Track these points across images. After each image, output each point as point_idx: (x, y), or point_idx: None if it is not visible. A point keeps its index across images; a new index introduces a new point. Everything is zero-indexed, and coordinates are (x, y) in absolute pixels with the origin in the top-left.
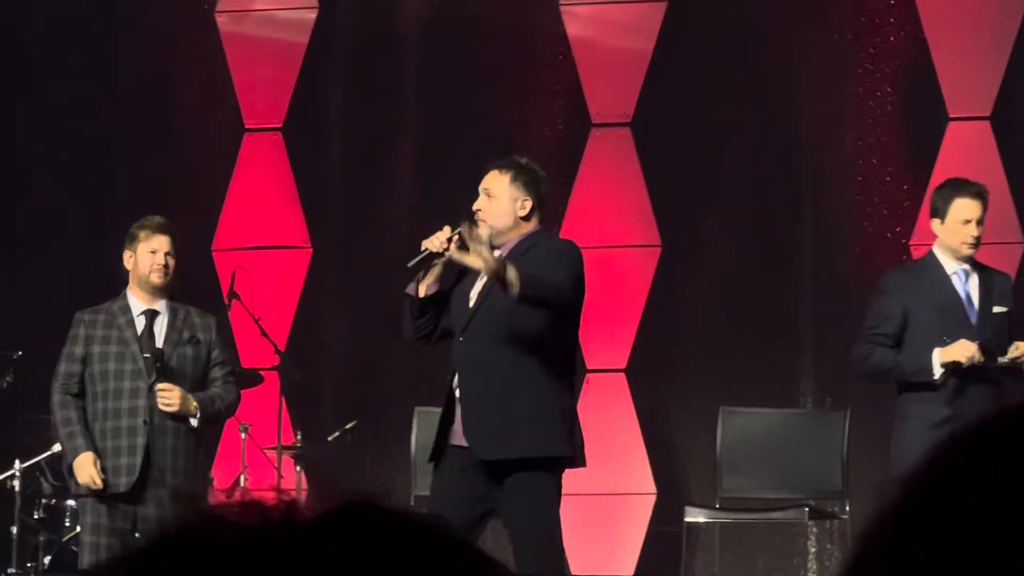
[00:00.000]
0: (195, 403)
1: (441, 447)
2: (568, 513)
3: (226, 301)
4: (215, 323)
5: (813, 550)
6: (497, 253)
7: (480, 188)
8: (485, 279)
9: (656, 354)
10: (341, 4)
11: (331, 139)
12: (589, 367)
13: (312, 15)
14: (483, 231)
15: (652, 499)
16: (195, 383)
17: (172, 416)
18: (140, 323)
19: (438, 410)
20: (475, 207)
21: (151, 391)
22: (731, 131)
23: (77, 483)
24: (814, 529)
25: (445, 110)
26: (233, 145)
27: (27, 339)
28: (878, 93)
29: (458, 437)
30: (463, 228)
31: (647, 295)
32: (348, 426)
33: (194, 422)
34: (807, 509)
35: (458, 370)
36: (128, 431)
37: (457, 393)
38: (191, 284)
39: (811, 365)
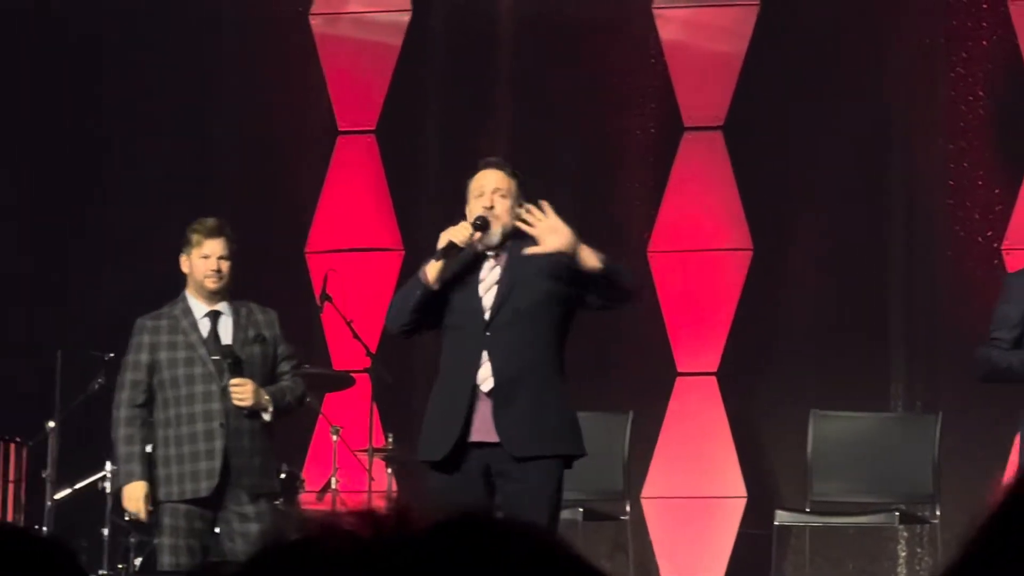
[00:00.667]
0: (267, 396)
1: (460, 444)
2: (659, 516)
3: (319, 303)
4: (277, 317)
5: (903, 554)
6: (493, 254)
7: (490, 188)
8: (497, 273)
9: (747, 357)
10: (435, 6)
11: (424, 141)
12: (680, 370)
13: (406, 17)
14: (496, 229)
15: (742, 502)
16: (264, 380)
17: (247, 415)
18: (204, 325)
19: None
20: (488, 205)
21: (224, 393)
22: (822, 134)
23: (155, 488)
24: (904, 533)
25: (538, 113)
26: (326, 147)
27: (117, 341)
28: (970, 97)
29: (480, 433)
30: (479, 222)
31: (738, 298)
32: None
33: (267, 416)
34: (898, 513)
35: (492, 362)
36: (205, 435)
37: (484, 387)
38: (284, 286)
39: (902, 368)
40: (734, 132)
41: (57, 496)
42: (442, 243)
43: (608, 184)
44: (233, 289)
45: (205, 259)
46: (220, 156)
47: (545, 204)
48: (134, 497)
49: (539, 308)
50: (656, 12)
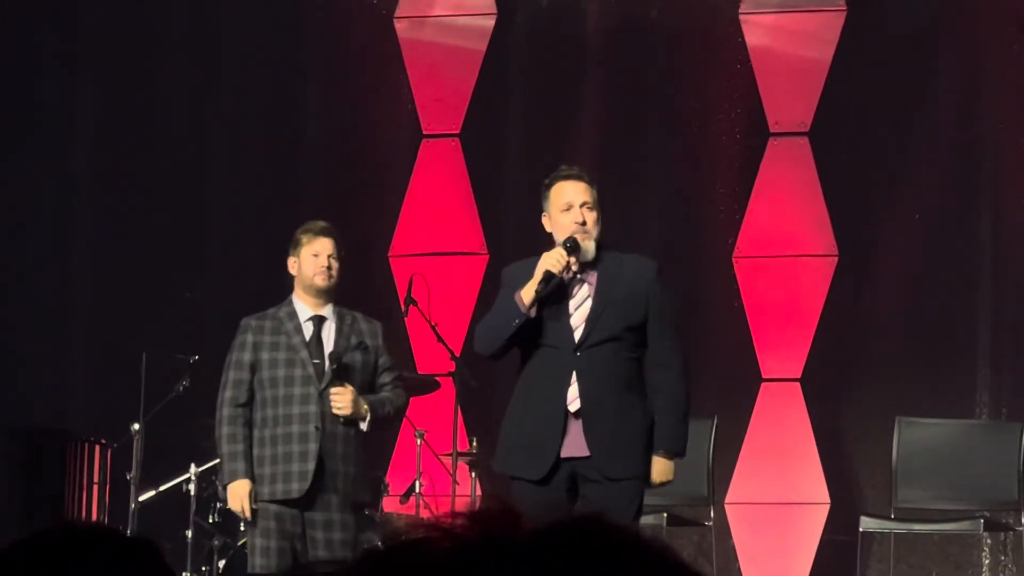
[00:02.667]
0: (366, 406)
1: (554, 462)
2: (742, 521)
3: (403, 307)
4: (381, 328)
5: (987, 562)
6: (579, 270)
7: (578, 201)
8: (586, 291)
9: (831, 363)
10: (520, 11)
11: (508, 145)
12: (764, 376)
13: (491, 21)
14: (588, 244)
15: (826, 508)
16: (364, 388)
17: (343, 421)
18: (308, 329)
19: None
20: (580, 220)
21: (322, 397)
22: (909, 141)
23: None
24: (988, 540)
25: (624, 118)
26: (411, 151)
27: (202, 343)
28: None
29: (570, 449)
30: (570, 243)
31: (823, 305)
32: None
33: (364, 426)
34: (982, 520)
35: (580, 383)
36: (299, 437)
37: (572, 408)
38: (369, 290)
39: (987, 376)
40: (820, 138)
41: (141, 498)
42: (539, 274)
43: (694, 190)
44: (339, 296)
45: (315, 257)
46: (306, 161)
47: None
48: (238, 495)
49: (626, 331)
50: (743, 18)
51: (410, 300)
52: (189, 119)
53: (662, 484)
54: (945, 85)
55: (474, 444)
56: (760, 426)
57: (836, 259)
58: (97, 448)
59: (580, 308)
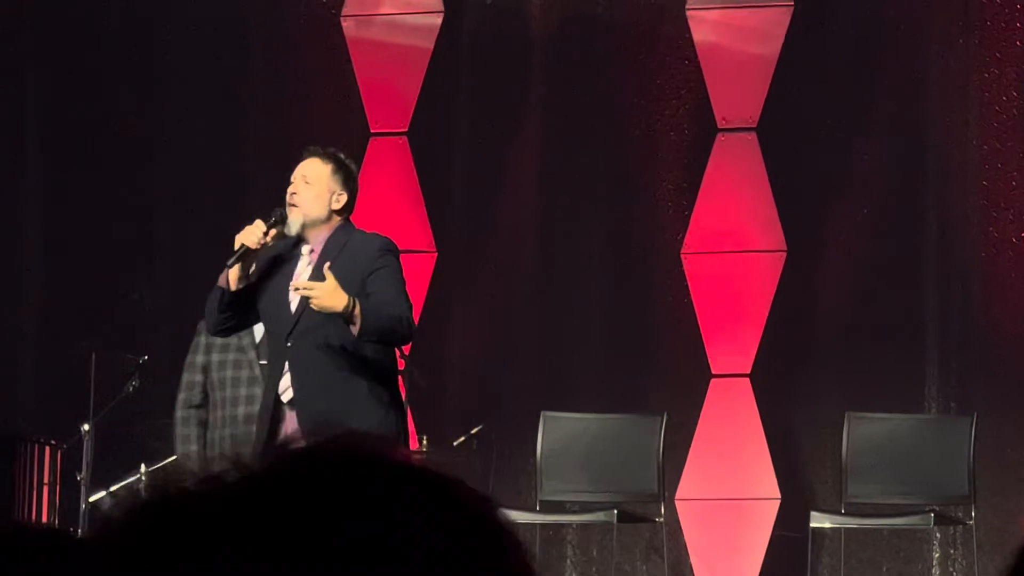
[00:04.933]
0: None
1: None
2: (693, 517)
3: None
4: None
5: (937, 556)
6: (308, 248)
7: (296, 174)
8: (307, 275)
9: (781, 359)
10: (467, 9)
11: (456, 144)
12: (714, 372)
13: (438, 20)
14: (295, 218)
15: (776, 504)
16: None
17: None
18: (257, 330)
19: (566, 415)
20: (290, 191)
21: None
22: (856, 135)
23: None
24: (939, 535)
25: (570, 115)
26: (358, 150)
27: (151, 344)
28: (1004, 98)
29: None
30: (276, 216)
31: (772, 300)
32: (473, 431)
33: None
34: (933, 515)
35: (291, 374)
36: (246, 438)
37: (285, 397)
38: None
39: (936, 370)
40: (768, 133)
41: (92, 499)
42: (236, 246)
43: (642, 186)
44: None
45: None
46: (253, 160)
47: (327, 270)
48: None
49: (333, 321)
50: (689, 13)
51: None
52: (135, 119)
53: (313, 292)
54: (891, 81)
55: (424, 442)
56: (710, 422)
57: (784, 254)
58: (47, 449)
59: (301, 298)
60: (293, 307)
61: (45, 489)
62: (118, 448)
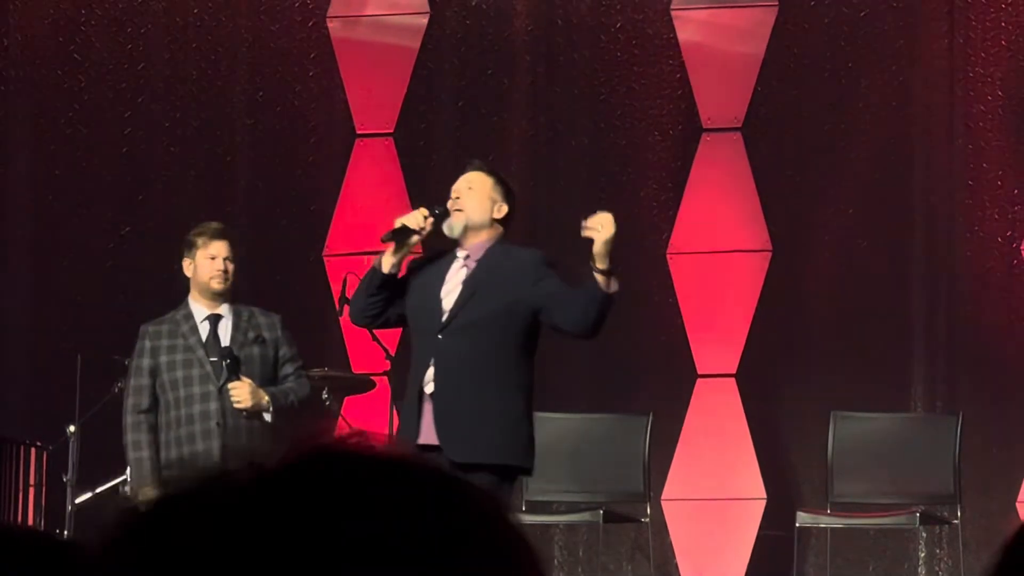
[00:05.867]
0: (267, 397)
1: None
2: (679, 517)
3: (337, 307)
4: (280, 320)
5: (923, 555)
6: (464, 253)
7: (459, 185)
8: (461, 276)
9: (766, 359)
10: (453, 9)
11: (442, 144)
12: (700, 372)
13: (424, 20)
14: (458, 222)
15: (762, 504)
16: (265, 382)
17: (245, 415)
18: (204, 329)
19: (551, 415)
20: (453, 198)
21: (221, 393)
22: (842, 135)
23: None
24: (924, 534)
25: (556, 114)
26: (344, 151)
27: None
28: (989, 97)
29: (425, 436)
30: (439, 210)
31: (757, 300)
32: None
33: (268, 417)
34: (918, 514)
35: (435, 368)
36: (202, 435)
37: (427, 389)
38: (303, 290)
39: (922, 369)
40: (753, 133)
41: (78, 500)
42: (394, 225)
43: (626, 186)
44: (236, 293)
45: (212, 260)
46: (238, 160)
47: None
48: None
49: (492, 319)
50: (674, 13)
51: (344, 300)
52: (122, 121)
53: (602, 239)
54: (876, 80)
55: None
56: (696, 422)
57: (770, 254)
58: (33, 450)
59: (452, 292)
60: (444, 304)
61: (31, 491)
62: (105, 450)
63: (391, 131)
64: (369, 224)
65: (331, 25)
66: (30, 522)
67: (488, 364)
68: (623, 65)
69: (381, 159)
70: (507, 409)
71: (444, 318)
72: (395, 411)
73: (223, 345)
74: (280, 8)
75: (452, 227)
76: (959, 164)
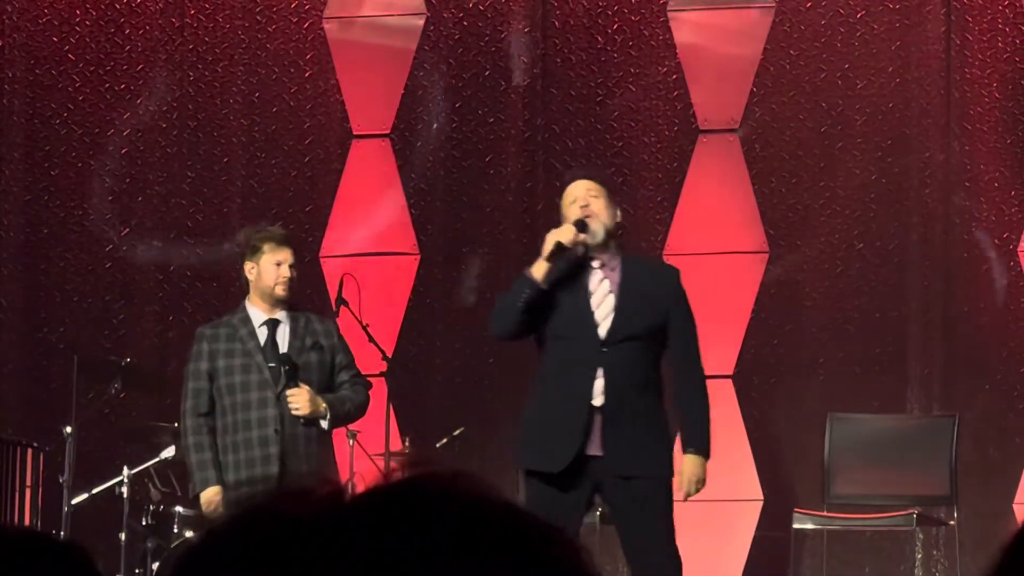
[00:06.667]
0: (324, 404)
1: (578, 456)
2: (676, 518)
3: (334, 308)
4: (336, 328)
5: (920, 556)
6: (599, 262)
7: (583, 191)
8: (607, 287)
9: (763, 360)
10: (450, 10)
11: (439, 145)
12: None
13: (420, 21)
14: (597, 226)
15: (759, 505)
16: (322, 389)
17: (303, 422)
18: (262, 333)
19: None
20: (580, 206)
21: (279, 399)
22: (838, 137)
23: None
24: (921, 535)
25: (552, 117)
26: (341, 152)
27: (134, 346)
28: (986, 98)
29: (594, 447)
30: (580, 221)
31: (754, 301)
32: (456, 432)
33: (324, 424)
34: (915, 515)
35: (604, 377)
36: (260, 441)
37: (597, 402)
38: (300, 290)
39: (919, 371)
40: (749, 135)
41: (74, 501)
42: (549, 245)
43: (624, 187)
44: (293, 300)
45: (278, 266)
46: (234, 162)
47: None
48: (212, 501)
49: (648, 333)
50: (671, 15)
51: (341, 301)
52: (118, 121)
53: (698, 484)
54: (874, 81)
55: (407, 444)
56: None
57: (767, 255)
58: (29, 451)
59: (603, 303)
60: (597, 315)
61: (28, 492)
62: (101, 451)
63: (388, 132)
64: (366, 225)
65: (327, 26)
66: (26, 523)
67: (646, 376)
68: (619, 67)
69: (377, 160)
70: (663, 420)
71: (605, 331)
72: (392, 411)
73: (281, 351)
74: (276, 9)
75: (595, 233)
76: (956, 166)
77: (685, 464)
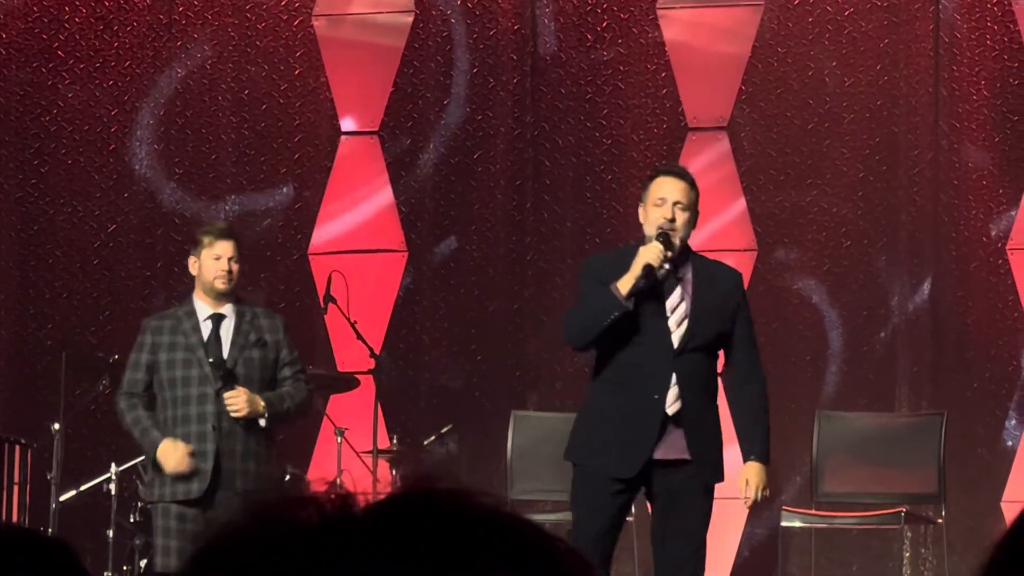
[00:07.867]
0: (263, 403)
1: (648, 460)
2: None
3: (322, 305)
4: (283, 323)
5: (907, 554)
6: (669, 267)
7: (672, 199)
8: (679, 294)
9: None
10: (438, 8)
11: (427, 142)
12: None
13: (409, 19)
14: (677, 240)
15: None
16: (264, 385)
17: (241, 422)
18: (206, 328)
19: (537, 414)
20: (667, 217)
21: (219, 396)
22: (826, 134)
23: (148, 489)
24: (909, 533)
25: (541, 114)
26: (330, 149)
27: (122, 343)
28: (974, 98)
29: (664, 451)
30: (663, 238)
31: None
32: (444, 430)
33: (263, 422)
34: (903, 513)
35: (679, 386)
36: (197, 437)
37: (672, 409)
38: (288, 288)
39: (907, 369)
40: (738, 132)
41: (62, 498)
42: (638, 266)
43: (612, 185)
44: (240, 293)
45: (216, 260)
46: (223, 158)
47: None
48: (170, 453)
49: (716, 338)
50: (660, 12)
51: (329, 298)
52: (107, 118)
53: (765, 490)
54: (862, 79)
55: (394, 441)
56: None
57: (755, 253)
58: (17, 448)
59: (677, 310)
60: (671, 323)
61: (16, 489)
62: (89, 448)
63: (376, 129)
64: (354, 222)
65: (316, 23)
66: (14, 520)
67: (709, 382)
68: (609, 64)
69: (366, 157)
70: (719, 426)
71: (679, 339)
72: (380, 408)
73: (223, 349)
74: (266, 7)
75: (675, 248)
76: (944, 164)
77: (749, 472)
